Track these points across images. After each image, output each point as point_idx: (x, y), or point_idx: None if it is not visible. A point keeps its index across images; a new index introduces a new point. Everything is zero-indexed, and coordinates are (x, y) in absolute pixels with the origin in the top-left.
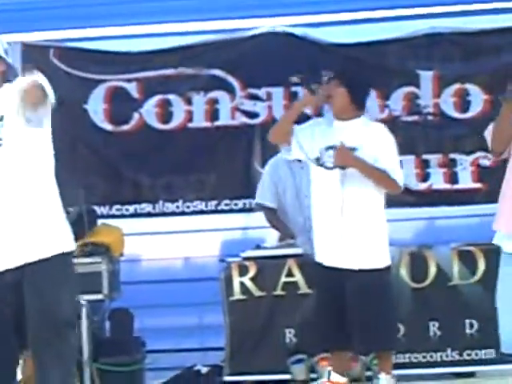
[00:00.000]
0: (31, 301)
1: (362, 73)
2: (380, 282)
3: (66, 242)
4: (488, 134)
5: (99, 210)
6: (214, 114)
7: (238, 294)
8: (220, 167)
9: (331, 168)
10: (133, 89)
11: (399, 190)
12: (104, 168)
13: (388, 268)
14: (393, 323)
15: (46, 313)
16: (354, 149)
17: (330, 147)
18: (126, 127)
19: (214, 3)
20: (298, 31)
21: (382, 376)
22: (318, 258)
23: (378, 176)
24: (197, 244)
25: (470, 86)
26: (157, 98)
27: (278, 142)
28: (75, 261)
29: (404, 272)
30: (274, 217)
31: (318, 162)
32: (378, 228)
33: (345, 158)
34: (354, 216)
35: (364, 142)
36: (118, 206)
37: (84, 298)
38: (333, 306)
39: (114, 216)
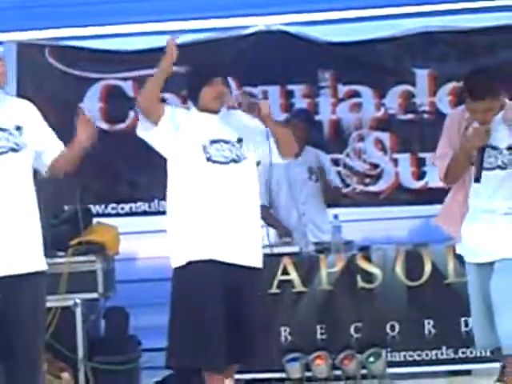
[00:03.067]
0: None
1: None
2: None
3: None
4: (438, 163)
5: (94, 208)
6: None
7: None
8: None
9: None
10: (129, 87)
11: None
12: (99, 167)
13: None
14: None
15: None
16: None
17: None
18: (121, 126)
19: (209, 2)
20: (293, 29)
21: None
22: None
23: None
24: None
25: None
26: None
27: (149, 113)
28: (71, 259)
29: (399, 270)
30: (268, 214)
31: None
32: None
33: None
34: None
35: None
36: (114, 205)
37: (79, 297)
38: None
39: (109, 215)
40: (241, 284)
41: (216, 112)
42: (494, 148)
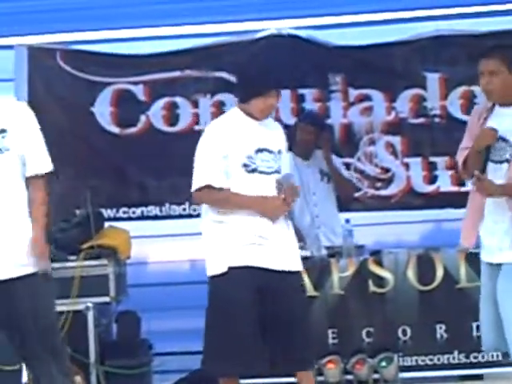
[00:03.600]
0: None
1: None
2: None
3: None
4: (458, 155)
5: (106, 212)
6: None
7: None
8: None
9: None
10: (140, 91)
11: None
12: (111, 170)
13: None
14: None
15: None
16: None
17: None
18: (132, 130)
19: (220, 6)
20: (304, 34)
21: None
22: None
23: None
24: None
25: (476, 89)
26: (164, 100)
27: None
28: (83, 263)
29: (411, 274)
30: None
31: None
32: None
33: None
34: None
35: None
36: (125, 209)
37: (91, 301)
38: None
39: (120, 218)
40: (279, 289)
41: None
42: (504, 140)
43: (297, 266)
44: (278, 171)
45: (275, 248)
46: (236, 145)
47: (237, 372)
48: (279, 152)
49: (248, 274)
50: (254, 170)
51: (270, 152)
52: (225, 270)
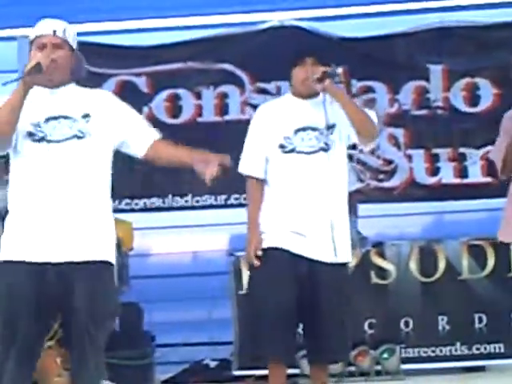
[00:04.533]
0: (82, 298)
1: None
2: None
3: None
4: (493, 156)
5: None
6: (223, 109)
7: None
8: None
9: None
10: (142, 83)
11: (376, 132)
12: (113, 162)
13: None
14: None
15: (95, 310)
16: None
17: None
18: None
19: None
20: (306, 25)
21: None
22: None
23: (362, 113)
24: (206, 238)
25: (479, 80)
26: (166, 92)
27: None
28: None
29: (413, 266)
30: None
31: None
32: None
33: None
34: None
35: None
36: (128, 201)
37: None
38: None
39: (123, 210)
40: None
41: (309, 96)
42: None
43: (343, 257)
44: (324, 149)
45: (316, 237)
46: (274, 126)
47: (264, 357)
48: (329, 127)
49: (283, 256)
50: (291, 151)
51: (314, 130)
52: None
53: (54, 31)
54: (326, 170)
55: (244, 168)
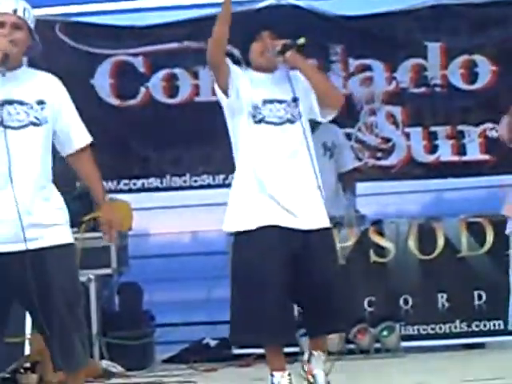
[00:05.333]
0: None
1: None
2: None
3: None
4: (503, 128)
5: (107, 184)
6: None
7: None
8: (227, 141)
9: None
10: (139, 63)
11: (341, 101)
12: (111, 143)
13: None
14: None
15: (68, 286)
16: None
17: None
18: (132, 102)
19: None
20: (304, 3)
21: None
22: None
23: (327, 81)
24: (204, 218)
25: (477, 58)
26: (163, 72)
27: (218, 62)
28: (84, 235)
29: (412, 244)
30: None
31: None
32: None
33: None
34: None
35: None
36: (126, 181)
37: (93, 273)
38: None
39: (121, 191)
40: (307, 248)
41: (270, 71)
42: None
43: (323, 222)
44: (291, 120)
45: (297, 206)
46: (244, 94)
47: (265, 342)
48: (294, 100)
49: (272, 234)
50: (260, 121)
51: (281, 102)
52: (246, 229)
53: (15, 10)
54: (295, 140)
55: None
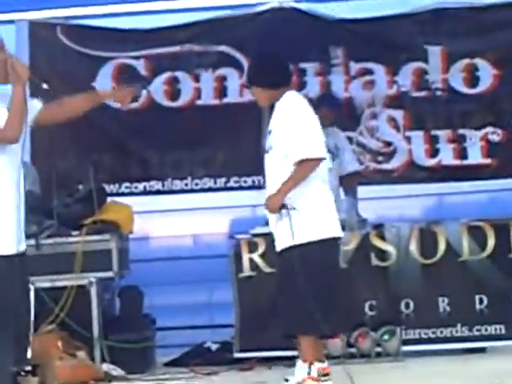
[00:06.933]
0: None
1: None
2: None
3: None
4: None
5: (108, 187)
6: (222, 91)
7: (247, 271)
8: (228, 144)
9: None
10: (141, 66)
11: (316, 163)
12: (113, 146)
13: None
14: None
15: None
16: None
17: None
18: (134, 105)
19: None
20: (305, 7)
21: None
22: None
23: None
24: (206, 221)
25: (478, 61)
26: (165, 75)
27: None
28: (86, 238)
29: (414, 248)
30: None
31: None
32: None
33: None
34: None
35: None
36: (127, 184)
37: (94, 276)
38: None
39: (123, 194)
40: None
41: None
42: None
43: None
44: (266, 151)
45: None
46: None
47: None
48: (269, 132)
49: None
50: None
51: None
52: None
53: None
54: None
55: (320, 152)
